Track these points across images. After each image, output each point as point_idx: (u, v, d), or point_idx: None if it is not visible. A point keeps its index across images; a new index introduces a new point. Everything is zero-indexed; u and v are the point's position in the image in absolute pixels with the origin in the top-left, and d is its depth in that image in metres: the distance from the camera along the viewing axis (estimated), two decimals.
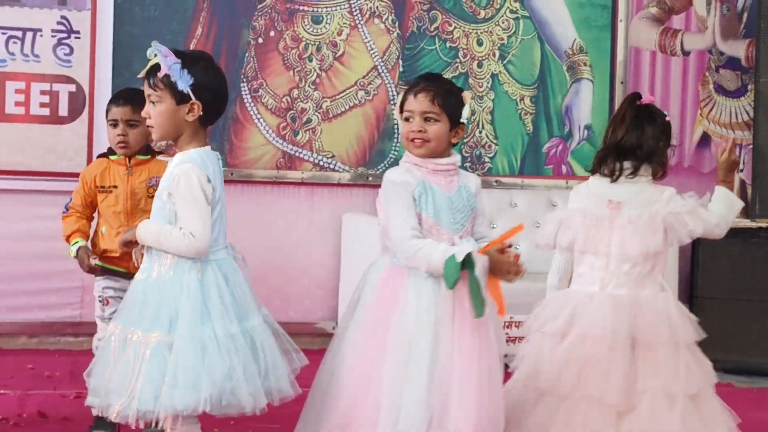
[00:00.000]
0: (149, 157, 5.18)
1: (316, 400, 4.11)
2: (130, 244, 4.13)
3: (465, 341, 4.01)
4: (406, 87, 4.29)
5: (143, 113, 4.16)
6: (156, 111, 4.10)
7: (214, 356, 3.92)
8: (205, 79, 4.09)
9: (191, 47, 7.05)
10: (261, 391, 3.98)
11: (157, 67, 4.08)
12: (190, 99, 4.07)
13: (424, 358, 3.96)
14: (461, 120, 4.21)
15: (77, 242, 5.22)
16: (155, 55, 4.07)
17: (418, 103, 4.17)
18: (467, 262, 3.96)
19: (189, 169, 4.04)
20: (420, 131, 4.15)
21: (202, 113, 4.09)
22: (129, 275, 5.13)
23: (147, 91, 4.11)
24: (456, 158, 4.24)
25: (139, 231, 4.08)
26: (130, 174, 5.16)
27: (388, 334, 4.01)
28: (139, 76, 4.18)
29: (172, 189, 4.05)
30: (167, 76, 4.05)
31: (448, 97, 4.19)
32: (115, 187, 5.16)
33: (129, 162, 5.17)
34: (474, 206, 4.23)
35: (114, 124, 5.17)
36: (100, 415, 4.12)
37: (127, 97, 5.24)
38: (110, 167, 5.20)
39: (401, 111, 4.23)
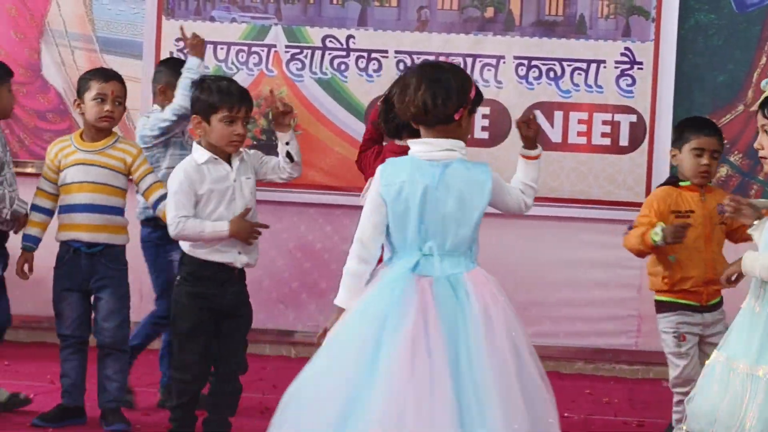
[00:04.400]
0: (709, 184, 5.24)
1: None
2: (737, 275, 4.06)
3: None
4: None
5: (755, 145, 4.08)
6: None
7: None
8: None
9: (754, 78, 6.90)
10: None
11: None
12: None
13: None
14: None
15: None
16: None
17: None
18: None
19: None
20: None
21: None
22: (702, 308, 5.15)
23: (762, 121, 4.04)
24: None
25: (745, 262, 3.99)
26: (704, 200, 5.21)
27: None
28: (753, 109, 4.14)
29: None
30: None
31: None
32: (692, 211, 5.19)
33: (702, 189, 5.23)
34: None
35: (698, 153, 5.23)
36: None
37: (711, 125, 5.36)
38: (681, 195, 5.24)
39: None
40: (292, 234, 7.13)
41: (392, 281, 3.89)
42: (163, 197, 5.51)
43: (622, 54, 6.96)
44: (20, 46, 7.28)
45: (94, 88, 5.49)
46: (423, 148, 3.98)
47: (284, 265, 7.12)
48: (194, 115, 5.10)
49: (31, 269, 5.53)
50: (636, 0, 6.93)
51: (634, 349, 7.04)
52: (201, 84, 5.18)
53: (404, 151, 4.18)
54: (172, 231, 5.05)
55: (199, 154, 5.09)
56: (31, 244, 5.52)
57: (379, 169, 3.99)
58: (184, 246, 5.10)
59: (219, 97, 5.09)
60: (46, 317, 7.07)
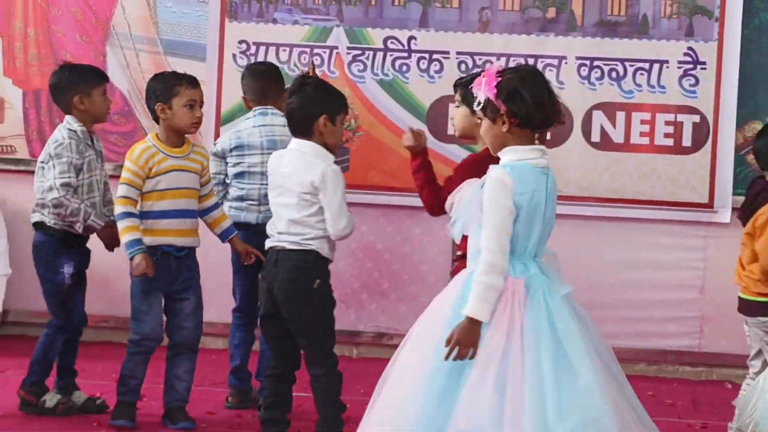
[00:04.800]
0: None
1: None
2: None
3: None
4: None
5: None
6: None
7: None
8: None
9: None
10: None
11: None
12: None
13: None
14: None
15: None
16: None
17: None
18: None
19: None
20: None
21: None
22: None
23: None
24: None
25: None
26: None
27: None
28: None
29: None
30: None
31: None
32: None
33: None
34: None
35: None
36: None
37: None
38: None
39: None
40: (353, 234, 7.12)
41: (539, 290, 3.97)
42: (217, 206, 5.75)
43: (685, 54, 6.92)
44: (86, 49, 7.38)
45: (185, 95, 5.53)
46: (535, 155, 4.05)
47: (346, 265, 7.14)
48: (325, 115, 5.12)
49: (152, 269, 5.50)
50: None
51: (696, 351, 6.99)
52: (321, 84, 5.26)
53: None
54: (348, 231, 5.19)
55: (330, 157, 5.18)
56: (143, 247, 5.48)
57: (509, 176, 3.97)
58: (323, 249, 5.16)
59: (343, 100, 5.25)
60: (112, 317, 7.18)
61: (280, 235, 5.17)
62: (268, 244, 5.22)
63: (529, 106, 4.01)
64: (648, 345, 7.03)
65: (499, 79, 4.01)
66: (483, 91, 4.02)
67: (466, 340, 3.84)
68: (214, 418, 5.75)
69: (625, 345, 6.97)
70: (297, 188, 5.12)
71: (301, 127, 5.15)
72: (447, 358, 3.83)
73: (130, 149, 5.60)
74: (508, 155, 4.04)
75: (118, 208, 5.50)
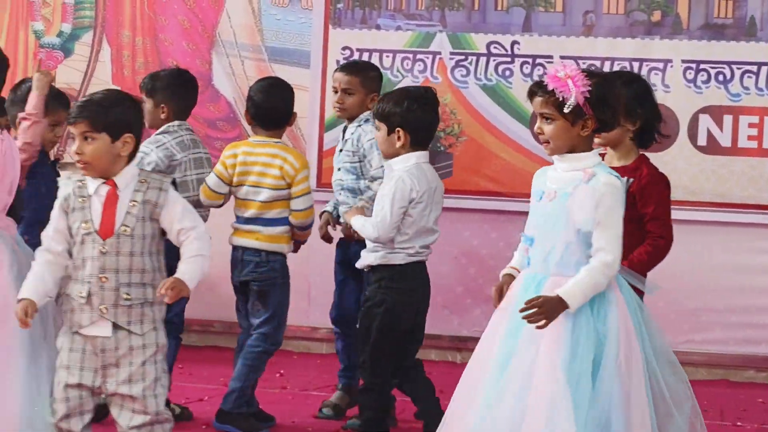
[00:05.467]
0: None
1: None
2: None
3: None
4: None
5: None
6: None
7: None
8: None
9: None
10: None
11: None
12: None
13: None
14: None
15: None
16: None
17: None
18: None
19: None
20: None
21: None
22: None
23: None
24: None
25: None
26: None
27: None
28: None
29: None
30: None
31: None
32: None
33: None
34: None
35: None
36: None
37: None
38: None
39: None
40: (455, 240, 7.12)
41: (626, 290, 4.11)
42: None
43: None
44: (192, 56, 7.48)
45: None
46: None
47: (449, 270, 7.12)
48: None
49: None
50: None
51: None
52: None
53: None
54: None
55: None
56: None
57: (620, 178, 4.09)
58: None
59: None
60: (218, 321, 7.25)
61: (426, 249, 5.27)
62: (411, 258, 5.21)
63: (615, 114, 4.09)
64: (757, 351, 6.91)
65: (589, 83, 4.00)
66: (574, 94, 3.99)
67: (549, 312, 3.93)
68: (317, 423, 5.78)
69: (734, 351, 6.88)
70: (441, 201, 5.31)
71: (428, 140, 5.28)
72: (522, 311, 3.95)
73: (298, 157, 5.60)
74: (591, 159, 4.09)
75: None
